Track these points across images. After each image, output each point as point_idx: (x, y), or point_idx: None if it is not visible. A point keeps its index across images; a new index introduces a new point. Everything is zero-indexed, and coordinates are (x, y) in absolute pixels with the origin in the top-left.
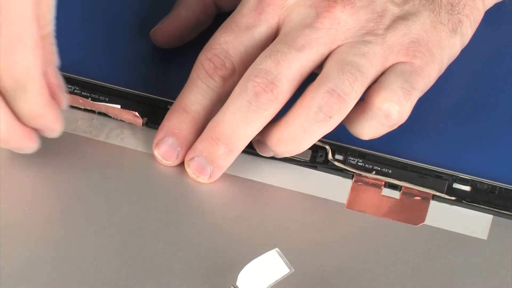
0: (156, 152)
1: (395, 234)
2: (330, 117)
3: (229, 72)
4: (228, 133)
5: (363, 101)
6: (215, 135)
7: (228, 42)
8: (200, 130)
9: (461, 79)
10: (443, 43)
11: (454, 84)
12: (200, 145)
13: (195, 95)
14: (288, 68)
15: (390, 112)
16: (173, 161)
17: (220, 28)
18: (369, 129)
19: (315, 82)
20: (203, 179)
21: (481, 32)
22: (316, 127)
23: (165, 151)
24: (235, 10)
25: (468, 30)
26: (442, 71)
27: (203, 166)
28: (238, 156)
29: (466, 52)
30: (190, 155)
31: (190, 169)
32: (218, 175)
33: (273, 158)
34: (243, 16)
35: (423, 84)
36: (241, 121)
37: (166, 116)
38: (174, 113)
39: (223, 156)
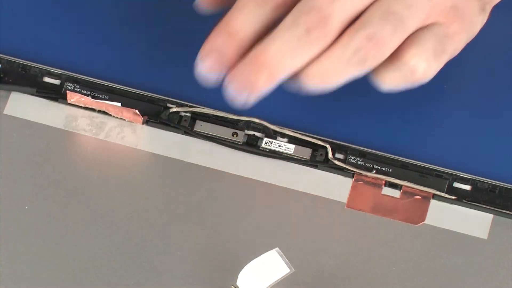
0: (201, 66)
1: (395, 234)
2: (365, 62)
3: (282, 1)
4: (273, 62)
5: (394, 51)
6: (260, 62)
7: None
8: (245, 53)
9: (461, 78)
10: (473, 19)
11: (455, 84)
12: (242, 68)
13: (244, 20)
14: (341, 7)
15: (417, 68)
16: (214, 79)
17: None
18: (391, 79)
19: (355, 24)
20: (238, 102)
21: (482, 31)
22: (348, 68)
23: (210, 65)
24: None
25: (486, 15)
26: (465, 44)
27: (241, 90)
28: (238, 155)
29: (467, 51)
30: (230, 76)
31: (227, 90)
32: (252, 101)
33: (273, 156)
34: None
35: (452, 50)
36: (288, 53)
37: (211, 37)
38: (221, 35)
39: (263, 84)
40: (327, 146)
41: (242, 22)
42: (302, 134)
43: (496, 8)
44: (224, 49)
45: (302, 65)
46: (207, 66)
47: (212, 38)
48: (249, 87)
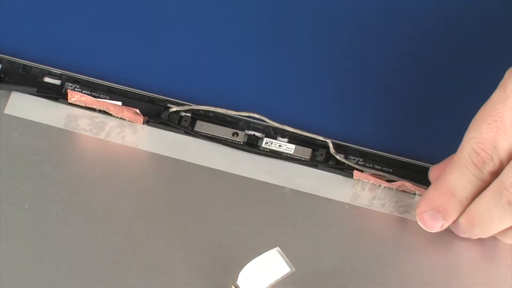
0: (420, 221)
1: (395, 233)
2: None
3: (497, 168)
4: (483, 223)
5: None
6: (472, 220)
7: (495, 138)
8: (463, 210)
9: (462, 79)
10: None
11: (456, 85)
12: (461, 220)
13: (463, 183)
14: None
15: None
16: (435, 229)
17: (482, 116)
18: None
19: None
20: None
21: (482, 33)
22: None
23: (430, 223)
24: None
25: None
26: None
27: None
28: (238, 155)
29: (469, 53)
30: (455, 229)
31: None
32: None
33: (273, 156)
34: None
35: None
36: (495, 219)
37: (431, 192)
38: (441, 194)
39: (476, 237)
40: (328, 141)
41: (461, 185)
42: (302, 131)
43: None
44: (444, 209)
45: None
46: (427, 220)
47: (432, 196)
48: (463, 235)
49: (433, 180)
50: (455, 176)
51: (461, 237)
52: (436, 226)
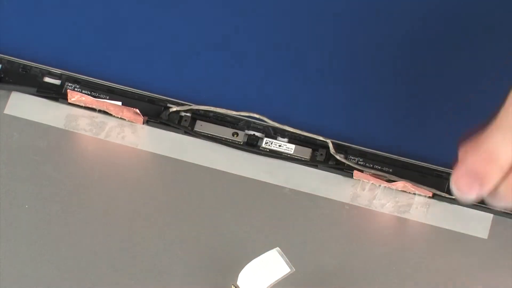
0: (455, 189)
1: (395, 233)
2: None
3: None
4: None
5: None
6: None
7: None
8: (503, 177)
9: (463, 79)
10: None
11: (456, 84)
12: (502, 188)
13: (505, 147)
14: None
15: None
16: (471, 198)
17: None
18: None
19: None
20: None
21: (481, 32)
22: None
23: (467, 191)
24: None
25: None
26: None
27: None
28: (237, 155)
29: (469, 53)
30: (490, 196)
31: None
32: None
33: (273, 156)
34: None
35: None
36: None
37: (470, 157)
38: (480, 159)
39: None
40: (328, 141)
41: (504, 148)
42: (302, 131)
43: None
44: (483, 174)
45: None
46: (464, 187)
47: (470, 161)
48: (503, 203)
49: (462, 157)
50: (497, 139)
51: (496, 206)
52: (472, 193)
